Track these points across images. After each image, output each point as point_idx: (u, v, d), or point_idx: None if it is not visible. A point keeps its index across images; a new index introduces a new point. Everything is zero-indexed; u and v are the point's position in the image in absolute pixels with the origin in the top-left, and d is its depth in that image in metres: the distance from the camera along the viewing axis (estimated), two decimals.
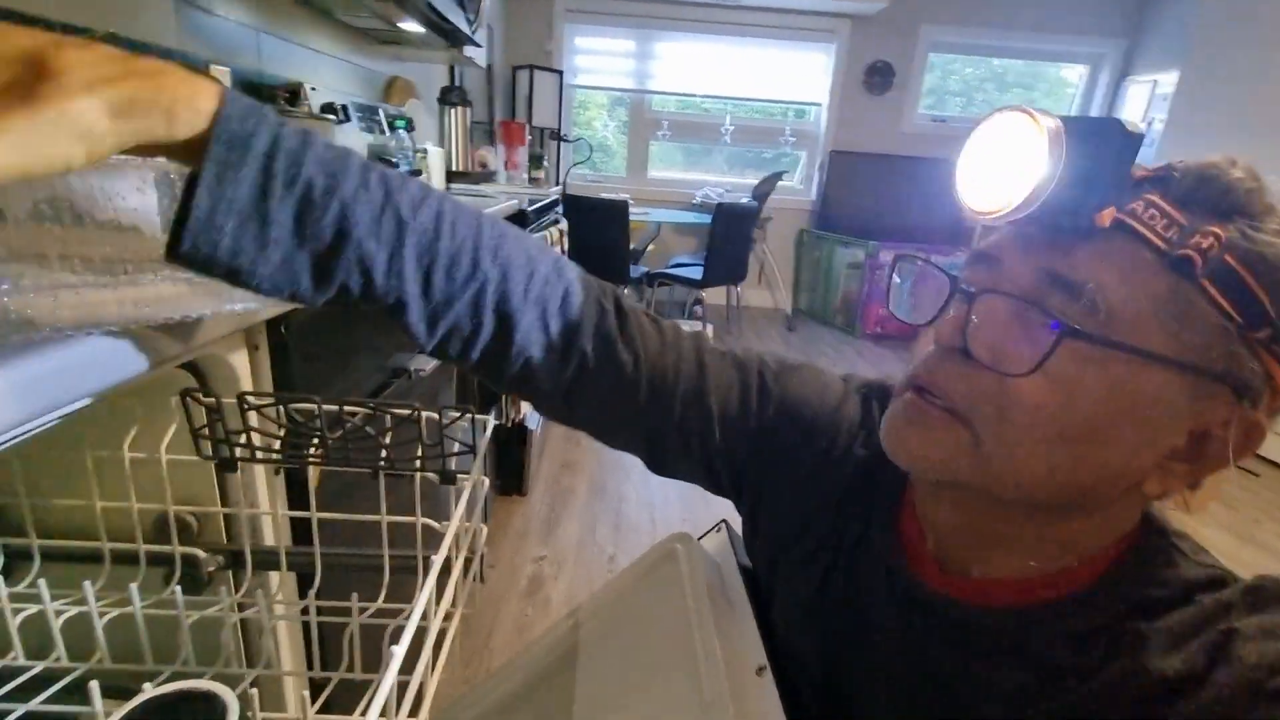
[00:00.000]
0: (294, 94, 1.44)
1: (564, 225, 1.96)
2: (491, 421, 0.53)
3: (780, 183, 3.76)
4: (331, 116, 1.49)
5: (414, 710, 0.40)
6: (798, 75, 4.03)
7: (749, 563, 0.54)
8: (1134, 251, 0.32)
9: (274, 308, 0.53)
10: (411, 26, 1.70)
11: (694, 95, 4.08)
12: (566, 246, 1.90)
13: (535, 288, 0.42)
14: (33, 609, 0.46)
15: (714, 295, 3.81)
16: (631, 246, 3.26)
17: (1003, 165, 0.34)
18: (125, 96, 0.28)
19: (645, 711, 0.46)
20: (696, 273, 3.18)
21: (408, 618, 0.37)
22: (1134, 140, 0.31)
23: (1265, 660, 0.30)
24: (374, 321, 0.80)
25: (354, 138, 1.64)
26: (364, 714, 0.31)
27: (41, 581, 0.45)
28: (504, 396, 1.49)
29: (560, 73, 3.68)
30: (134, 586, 0.47)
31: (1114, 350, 0.32)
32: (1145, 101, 3.64)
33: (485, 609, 1.41)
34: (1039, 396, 0.33)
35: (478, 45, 2.04)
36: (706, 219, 3.20)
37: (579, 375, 0.45)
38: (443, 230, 0.39)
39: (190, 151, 0.30)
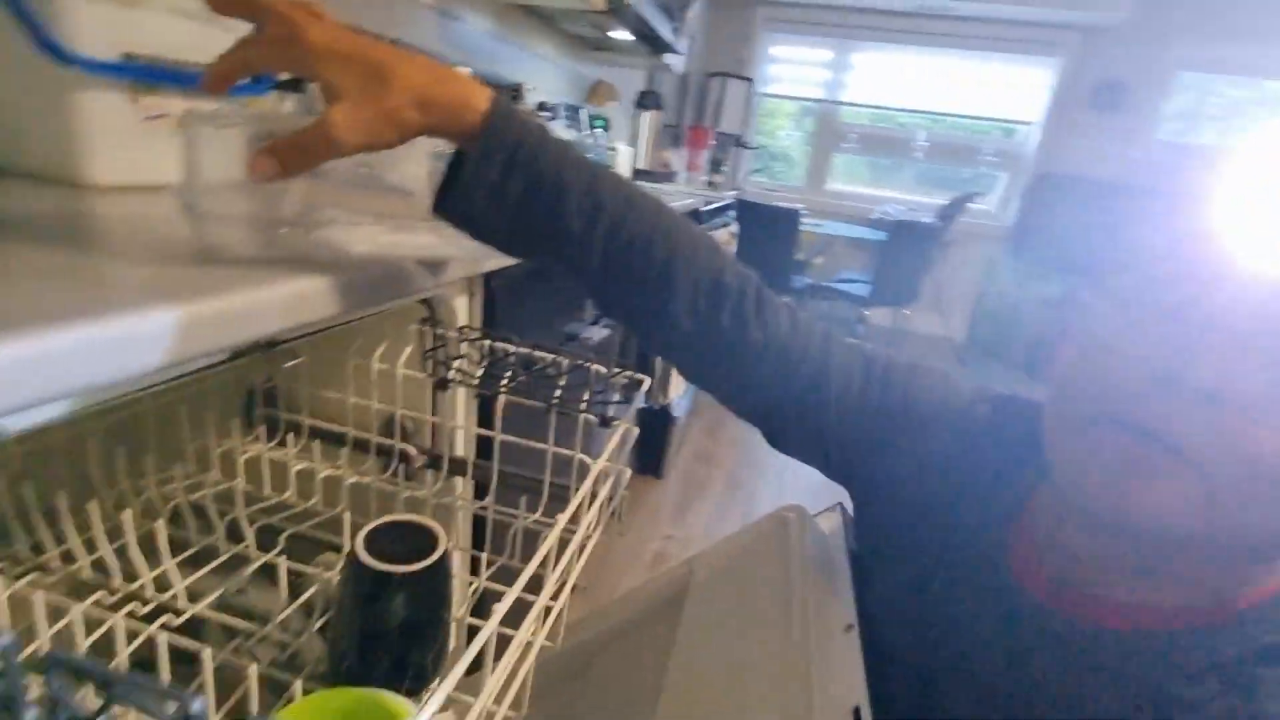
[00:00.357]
0: (515, 92, 1.65)
1: (734, 228, 2.02)
2: (647, 381, 0.61)
3: (972, 205, 3.51)
4: (544, 114, 1.68)
5: (555, 595, 0.49)
6: (1009, 90, 3.72)
7: (855, 547, 0.57)
8: None
9: (489, 265, 0.66)
10: (622, 35, 1.87)
11: (889, 108, 3.92)
12: (735, 248, 1.97)
13: (692, 271, 0.49)
14: (303, 465, 0.63)
15: (880, 316, 3.66)
16: (799, 256, 3.24)
17: None
18: (429, 98, 0.39)
19: (736, 652, 0.52)
20: (863, 290, 3.08)
21: (562, 524, 0.47)
22: None
23: None
24: (555, 292, 0.93)
25: (558, 133, 1.84)
26: (520, 587, 0.41)
27: (313, 445, 0.61)
28: (654, 379, 1.60)
29: (750, 80, 3.74)
30: (371, 464, 0.62)
31: None
32: None
33: (610, 576, 1.53)
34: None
35: (679, 54, 2.17)
36: (882, 236, 3.09)
37: (714, 347, 0.51)
38: (629, 216, 0.47)
39: (464, 137, 0.42)
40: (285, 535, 0.55)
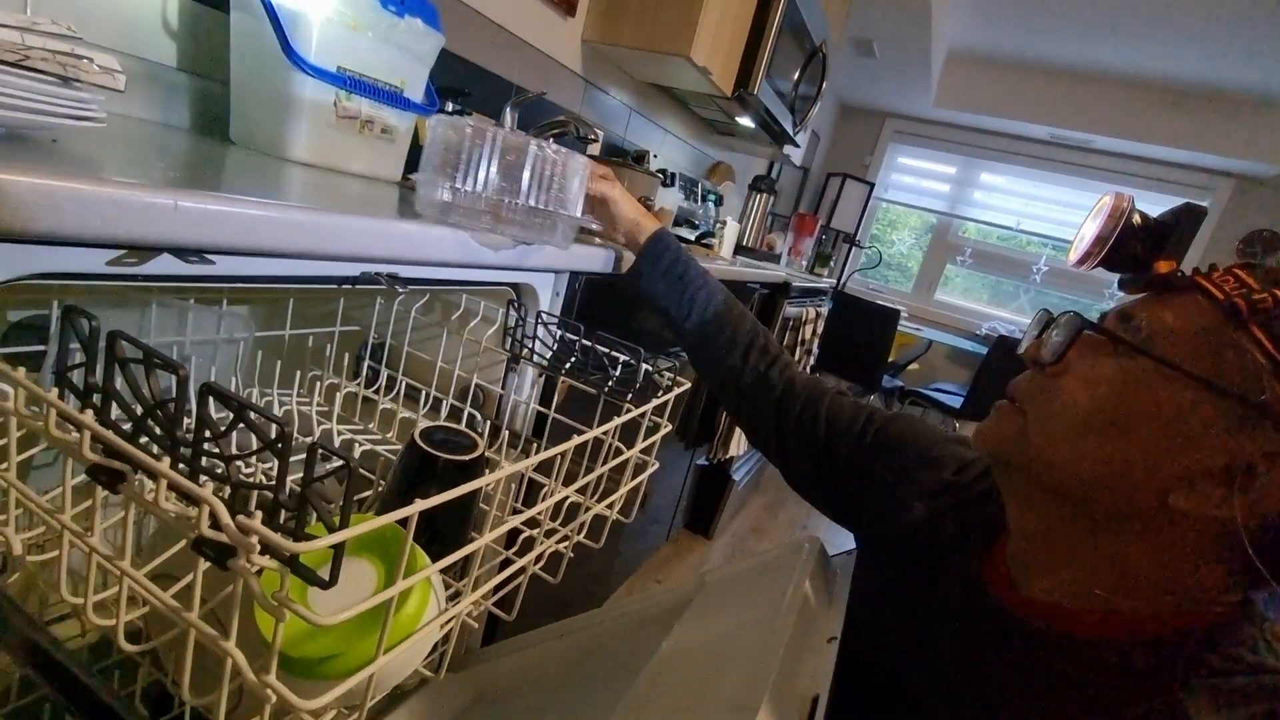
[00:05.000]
0: (640, 158, 1.84)
1: (824, 311, 2.07)
2: (687, 385, 0.68)
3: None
4: (660, 176, 1.85)
5: (549, 534, 0.56)
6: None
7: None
8: (1195, 300, 0.38)
9: (575, 267, 0.77)
10: (746, 122, 2.03)
11: (1012, 229, 3.87)
12: (819, 330, 2.01)
13: (741, 340, 0.76)
14: (390, 407, 0.74)
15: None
16: (892, 359, 3.19)
17: (1090, 230, 0.45)
18: (629, 231, 0.78)
19: (716, 642, 0.55)
20: (956, 401, 2.97)
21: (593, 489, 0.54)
22: (1194, 215, 0.37)
23: None
24: (643, 316, 1.03)
25: (671, 198, 2.00)
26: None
27: (400, 396, 0.72)
28: (717, 435, 1.64)
29: (871, 185, 3.84)
30: (442, 419, 0.72)
31: (1133, 353, 0.39)
32: None
33: None
34: (1073, 390, 0.42)
35: (796, 146, 2.31)
36: (983, 350, 2.99)
37: (747, 389, 0.74)
38: (711, 304, 0.78)
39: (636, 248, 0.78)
40: (362, 450, 0.65)
